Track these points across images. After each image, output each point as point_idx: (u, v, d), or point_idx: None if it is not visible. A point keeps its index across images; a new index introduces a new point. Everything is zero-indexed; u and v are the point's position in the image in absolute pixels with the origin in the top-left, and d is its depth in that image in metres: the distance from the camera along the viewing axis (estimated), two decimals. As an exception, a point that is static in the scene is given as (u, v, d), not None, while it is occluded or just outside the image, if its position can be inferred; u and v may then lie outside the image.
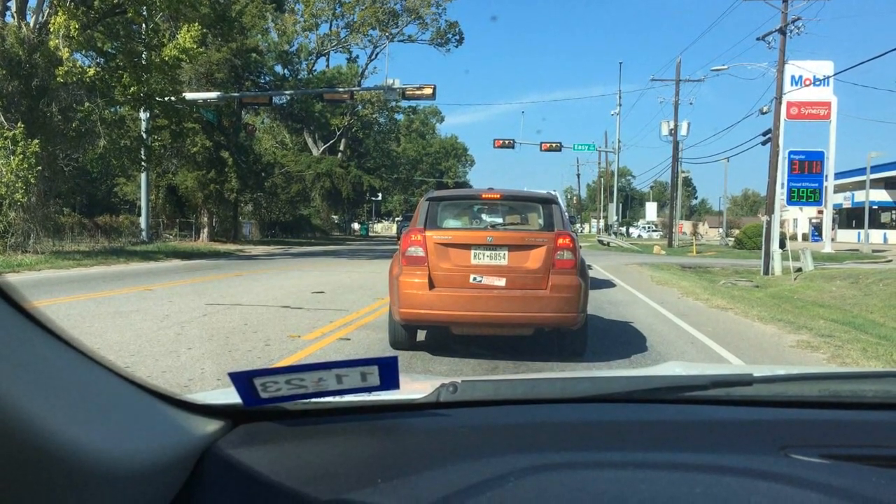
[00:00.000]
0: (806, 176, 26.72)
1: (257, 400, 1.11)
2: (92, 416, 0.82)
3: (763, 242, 25.57)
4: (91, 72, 21.75)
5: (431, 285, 7.13)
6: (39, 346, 0.77)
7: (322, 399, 1.17)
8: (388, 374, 1.14)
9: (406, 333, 7.66)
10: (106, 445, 0.80)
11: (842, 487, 1.04)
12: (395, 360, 1.14)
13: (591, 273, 19.95)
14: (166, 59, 22.64)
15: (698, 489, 1.05)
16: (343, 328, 9.19)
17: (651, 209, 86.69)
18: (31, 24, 22.34)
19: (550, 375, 1.75)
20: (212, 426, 1.13)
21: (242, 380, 1.09)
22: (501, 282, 7.12)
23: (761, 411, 1.42)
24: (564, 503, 0.99)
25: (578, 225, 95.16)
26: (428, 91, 34.79)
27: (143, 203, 34.13)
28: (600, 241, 56.14)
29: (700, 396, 1.44)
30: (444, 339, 8.11)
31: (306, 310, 10.87)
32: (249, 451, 1.10)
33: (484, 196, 8.17)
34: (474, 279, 7.13)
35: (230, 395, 1.17)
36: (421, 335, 8.31)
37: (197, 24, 23.12)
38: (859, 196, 52.41)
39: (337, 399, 1.20)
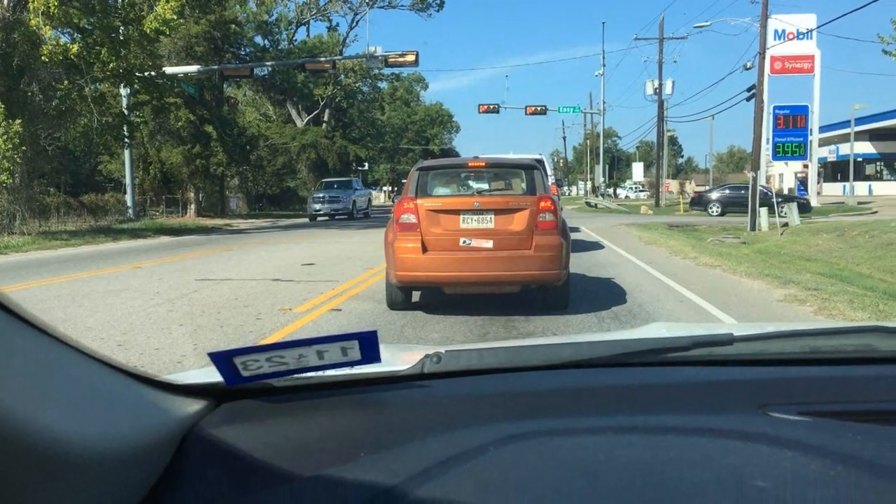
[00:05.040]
0: (791, 131, 26.75)
1: (238, 378, 1.12)
2: (66, 401, 0.82)
3: (749, 198, 25.64)
4: (74, 49, 21.43)
5: (424, 249, 7.61)
6: (6, 331, 0.77)
7: (305, 375, 1.18)
8: (369, 347, 1.14)
9: (402, 295, 8.16)
10: (82, 431, 0.80)
11: (819, 444, 1.05)
12: (374, 333, 1.14)
13: (579, 236, 20.08)
14: (148, 31, 22.32)
15: (673, 452, 1.06)
16: (334, 299, 9.21)
17: (638, 169, 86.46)
18: (6, 3, 21.94)
19: (534, 342, 1.76)
20: (194, 406, 1.13)
21: (222, 359, 1.10)
22: (489, 244, 7.60)
23: (741, 370, 1.43)
24: (540, 471, 1.01)
25: (566, 188, 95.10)
26: (410, 58, 34.41)
27: (128, 180, 33.80)
28: (588, 203, 56.19)
29: (681, 358, 1.45)
30: (437, 299, 8.45)
31: (297, 282, 10.88)
32: (232, 429, 1.11)
33: (470, 164, 8.84)
34: (464, 242, 7.62)
35: (213, 375, 1.17)
36: (416, 296, 8.62)
37: None
38: (844, 149, 52.51)
39: (320, 374, 1.21)
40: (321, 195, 36.66)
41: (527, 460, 1.04)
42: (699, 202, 40.50)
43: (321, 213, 35.60)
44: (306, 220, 35.44)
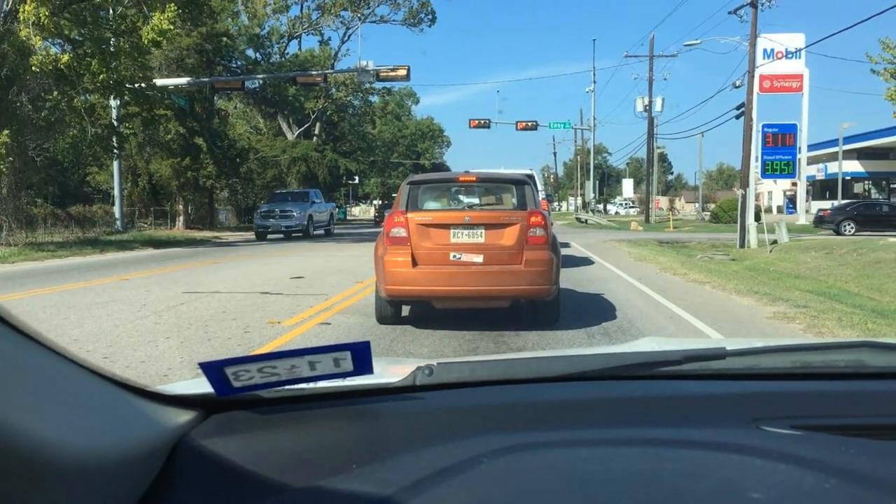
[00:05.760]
0: (779, 149, 26.90)
1: (229, 389, 1.10)
2: (57, 410, 0.81)
3: (738, 216, 25.79)
4: (65, 59, 21.39)
5: (414, 263, 7.58)
6: None
7: (296, 386, 1.17)
8: (362, 358, 1.13)
9: (392, 309, 8.11)
10: (72, 440, 0.79)
11: (811, 458, 1.05)
12: (367, 344, 1.13)
13: (569, 251, 20.12)
14: (145, 42, 22.35)
15: (668, 464, 1.05)
16: (323, 313, 9.18)
17: (628, 186, 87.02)
18: (-3, 14, 21.91)
19: (526, 355, 1.76)
20: (184, 417, 1.12)
21: (213, 369, 1.08)
22: (479, 258, 7.57)
23: (734, 384, 1.43)
24: (535, 482, 1.00)
25: (556, 203, 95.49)
26: (402, 72, 34.52)
27: (116, 192, 33.66)
28: (578, 219, 56.40)
29: (673, 371, 1.45)
30: (427, 314, 8.39)
31: (285, 295, 10.84)
32: (222, 440, 1.10)
33: (461, 179, 8.79)
34: (454, 256, 7.58)
35: (203, 385, 1.16)
36: (405, 311, 8.58)
37: (173, 5, 22.79)
38: (832, 167, 52.95)
39: (311, 385, 1.20)
40: (270, 209, 31.40)
41: (521, 472, 1.03)
42: (828, 220, 33.66)
43: (270, 230, 30.66)
44: (299, 234, 31.39)
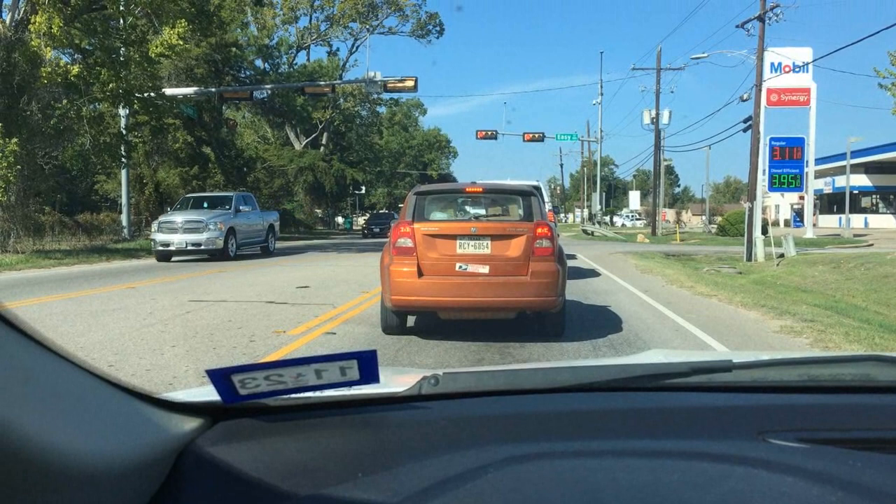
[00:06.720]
0: (787, 162, 26.84)
1: (236, 397, 1.11)
2: (66, 416, 0.81)
3: (745, 229, 25.73)
4: (75, 70, 21.55)
5: (420, 273, 7.58)
6: (9, 345, 0.76)
7: (302, 394, 1.17)
8: (368, 367, 1.13)
9: (397, 319, 8.13)
10: (81, 446, 0.80)
11: (818, 471, 1.05)
12: (373, 353, 1.13)
13: (576, 263, 20.11)
14: (153, 55, 22.53)
15: (675, 476, 1.05)
16: (328, 322, 9.18)
17: (634, 198, 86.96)
18: (7, 22, 22.07)
19: (532, 366, 1.76)
20: (190, 424, 1.12)
21: (220, 377, 1.09)
22: (485, 269, 7.56)
23: (740, 397, 1.43)
24: (541, 493, 1.00)
25: (562, 215, 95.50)
26: (409, 83, 34.63)
27: (124, 200, 33.78)
28: (584, 231, 56.30)
29: (680, 384, 1.45)
30: (432, 324, 8.40)
31: (291, 305, 10.84)
32: (228, 447, 1.10)
33: (467, 189, 8.79)
34: (460, 267, 7.57)
35: (210, 393, 1.16)
36: (410, 321, 8.59)
37: (184, 21, 22.98)
38: (840, 181, 52.86)
39: (317, 394, 1.20)
40: (173, 220, 21.82)
41: (526, 482, 1.03)
42: None
43: (172, 248, 21.35)
44: (301, 242, 29.34)
